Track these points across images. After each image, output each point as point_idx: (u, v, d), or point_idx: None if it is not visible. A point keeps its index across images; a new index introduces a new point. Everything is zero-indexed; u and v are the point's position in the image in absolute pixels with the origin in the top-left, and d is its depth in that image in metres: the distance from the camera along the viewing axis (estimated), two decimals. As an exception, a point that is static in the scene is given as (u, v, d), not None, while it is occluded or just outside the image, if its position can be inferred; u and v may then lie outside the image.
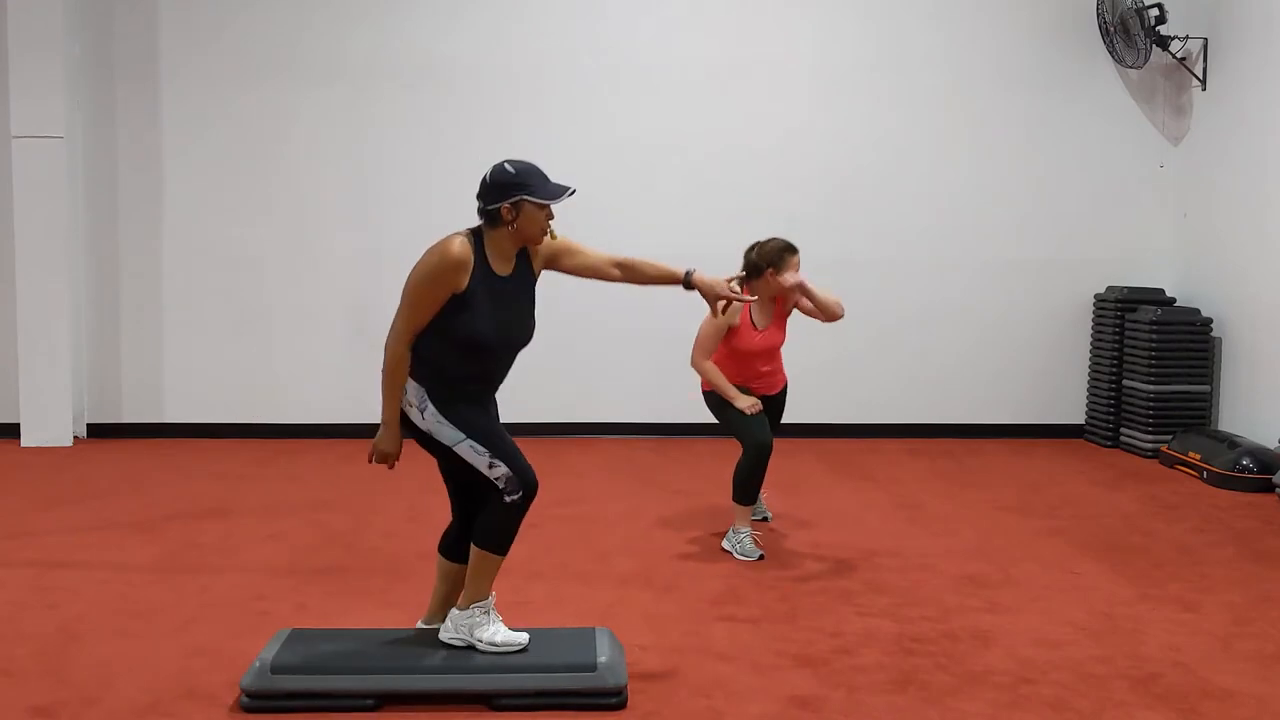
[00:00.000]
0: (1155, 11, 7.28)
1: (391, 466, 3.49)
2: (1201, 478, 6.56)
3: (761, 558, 4.93)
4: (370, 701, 3.35)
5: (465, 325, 3.36)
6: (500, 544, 3.48)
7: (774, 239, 4.98)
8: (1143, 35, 7.31)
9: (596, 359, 7.66)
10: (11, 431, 7.35)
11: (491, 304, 3.39)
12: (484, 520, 3.48)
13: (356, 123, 7.52)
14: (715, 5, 7.63)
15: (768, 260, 4.91)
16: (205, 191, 7.53)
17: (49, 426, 7.26)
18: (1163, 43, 7.40)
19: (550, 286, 8.25)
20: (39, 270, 7.18)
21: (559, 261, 3.59)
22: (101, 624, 4.04)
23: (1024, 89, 7.75)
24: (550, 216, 3.46)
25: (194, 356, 7.60)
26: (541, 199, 3.40)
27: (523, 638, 3.52)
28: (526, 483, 3.45)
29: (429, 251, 3.36)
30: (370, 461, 3.47)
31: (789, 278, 4.87)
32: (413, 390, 3.39)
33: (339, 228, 7.55)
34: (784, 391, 5.28)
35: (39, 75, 7.09)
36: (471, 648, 3.51)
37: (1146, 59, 7.44)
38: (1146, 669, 3.72)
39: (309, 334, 7.60)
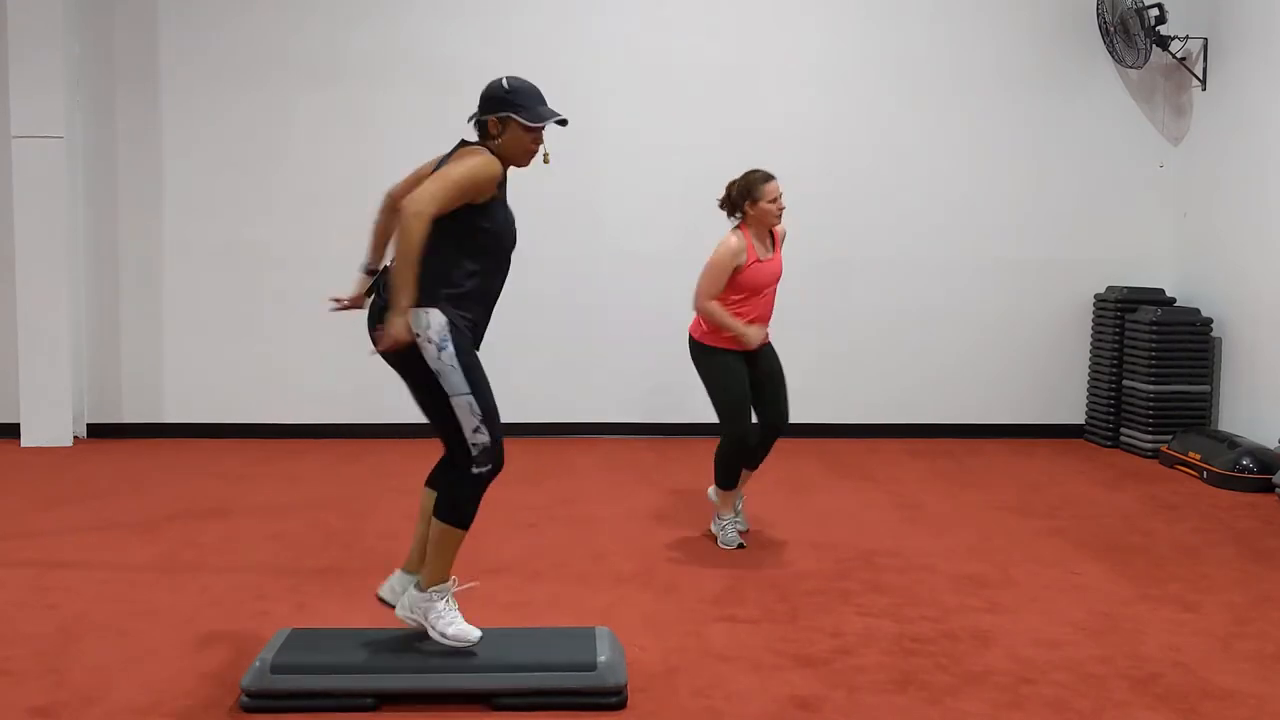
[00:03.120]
0: (1155, 11, 7.28)
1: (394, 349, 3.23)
2: (1201, 478, 6.56)
3: (741, 547, 5.00)
4: (370, 701, 3.35)
5: (495, 227, 3.39)
6: (464, 518, 3.42)
7: (749, 171, 4.99)
8: (1143, 35, 7.31)
9: (596, 359, 7.66)
10: (11, 431, 7.35)
11: (508, 212, 3.47)
12: (447, 492, 3.45)
13: (357, 122, 7.51)
14: (715, 5, 7.63)
15: (744, 194, 4.94)
16: (205, 191, 7.53)
17: (49, 426, 7.25)
18: (1163, 43, 7.40)
19: (550, 286, 8.26)
20: (39, 270, 7.18)
21: None
22: (101, 624, 4.04)
23: (1024, 89, 7.75)
24: (538, 141, 3.45)
25: (194, 356, 7.59)
26: (528, 122, 3.41)
27: (475, 634, 3.44)
28: (498, 456, 3.40)
29: (476, 157, 3.35)
30: (375, 350, 3.27)
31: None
32: (435, 324, 3.30)
33: (339, 227, 7.53)
34: (773, 349, 5.15)
35: (39, 75, 7.09)
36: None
37: (1146, 59, 7.44)
38: (1146, 669, 3.72)
39: (309, 334, 7.60)
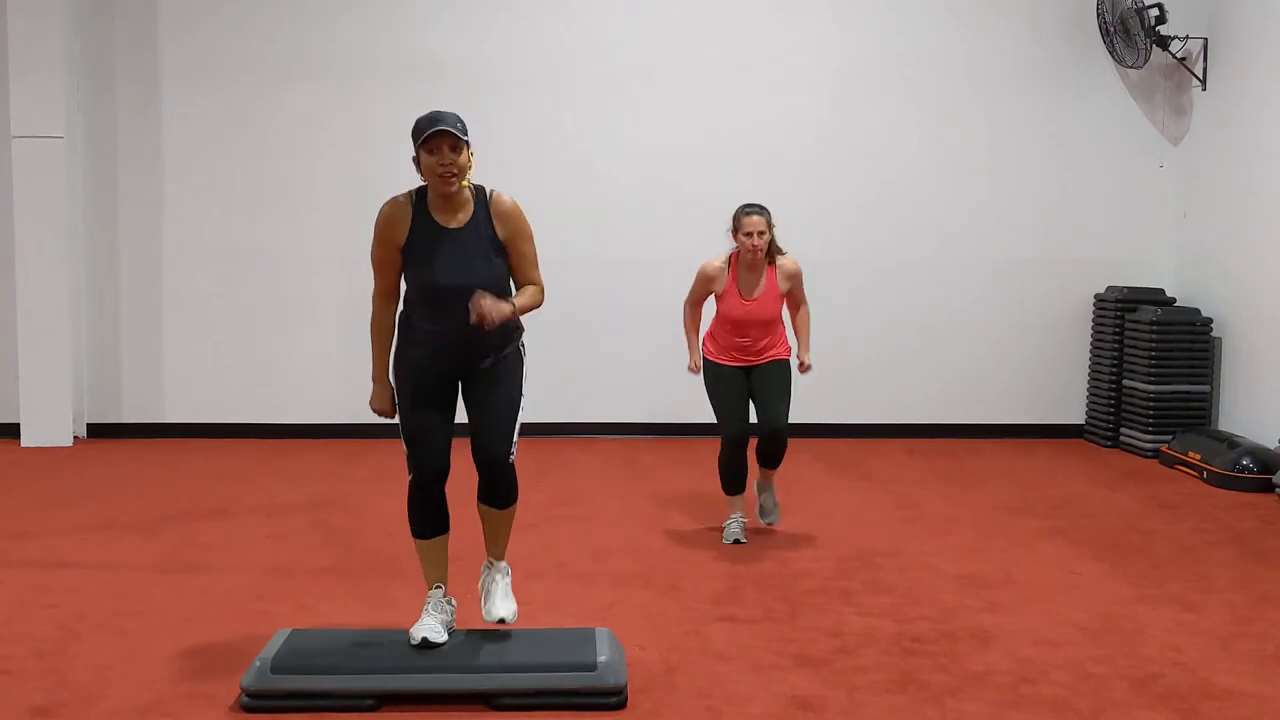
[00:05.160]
0: (1155, 11, 7.27)
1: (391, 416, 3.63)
2: (1201, 478, 6.56)
3: (737, 542, 5.09)
4: (370, 701, 3.35)
5: (412, 272, 3.48)
6: (409, 522, 3.70)
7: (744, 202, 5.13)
8: (1143, 35, 7.31)
9: (596, 359, 7.66)
10: (11, 431, 7.35)
11: (432, 252, 3.44)
12: None
13: (357, 121, 7.51)
14: (717, 5, 7.63)
15: (732, 224, 5.05)
16: (205, 191, 7.53)
17: (49, 426, 7.25)
18: (1163, 43, 7.39)
19: (551, 287, 8.15)
20: (39, 270, 7.18)
21: (509, 244, 3.56)
22: (101, 624, 4.04)
23: (1023, 90, 7.74)
24: (439, 160, 3.31)
25: (194, 356, 7.59)
26: (416, 144, 3.34)
27: (415, 636, 3.54)
28: (414, 469, 3.60)
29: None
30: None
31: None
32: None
33: (339, 227, 7.53)
34: (775, 364, 5.15)
35: (39, 75, 7.09)
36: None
37: (1146, 59, 7.44)
38: (1146, 669, 3.72)
39: (309, 334, 7.60)
